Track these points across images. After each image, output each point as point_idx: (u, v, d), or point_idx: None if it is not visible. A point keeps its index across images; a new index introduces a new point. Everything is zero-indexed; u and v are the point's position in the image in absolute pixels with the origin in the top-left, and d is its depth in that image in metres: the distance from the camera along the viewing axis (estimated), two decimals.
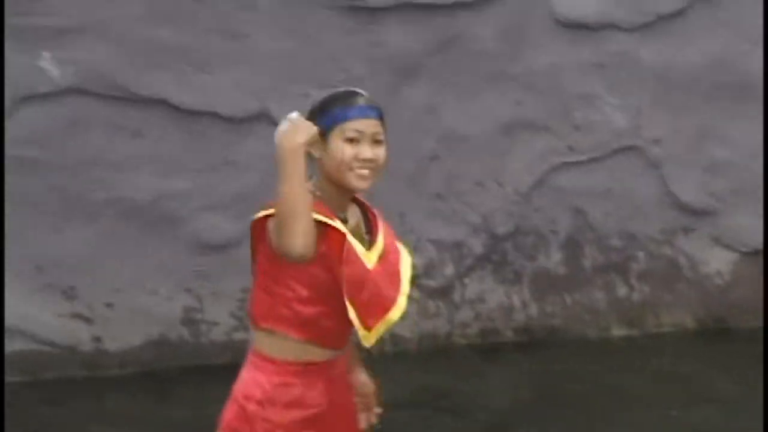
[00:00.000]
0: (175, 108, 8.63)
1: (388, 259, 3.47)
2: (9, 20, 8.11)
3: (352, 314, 3.56)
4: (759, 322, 9.52)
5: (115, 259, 8.55)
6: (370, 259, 3.43)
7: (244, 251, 9.43)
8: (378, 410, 3.75)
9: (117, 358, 8.60)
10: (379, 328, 3.49)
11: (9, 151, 8.15)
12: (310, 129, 3.52)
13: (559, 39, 9.44)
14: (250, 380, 3.76)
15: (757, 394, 7.67)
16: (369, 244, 3.46)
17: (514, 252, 9.59)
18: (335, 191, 3.45)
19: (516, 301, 9.72)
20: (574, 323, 9.68)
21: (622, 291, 9.79)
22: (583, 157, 9.72)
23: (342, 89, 3.50)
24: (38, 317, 8.46)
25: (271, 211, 3.65)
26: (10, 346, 8.18)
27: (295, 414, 3.64)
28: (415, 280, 9.49)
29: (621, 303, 9.74)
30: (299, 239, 3.45)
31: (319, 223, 3.49)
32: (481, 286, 9.48)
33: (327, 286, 3.56)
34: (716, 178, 9.83)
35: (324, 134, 3.43)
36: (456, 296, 9.45)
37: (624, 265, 9.76)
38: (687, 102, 9.75)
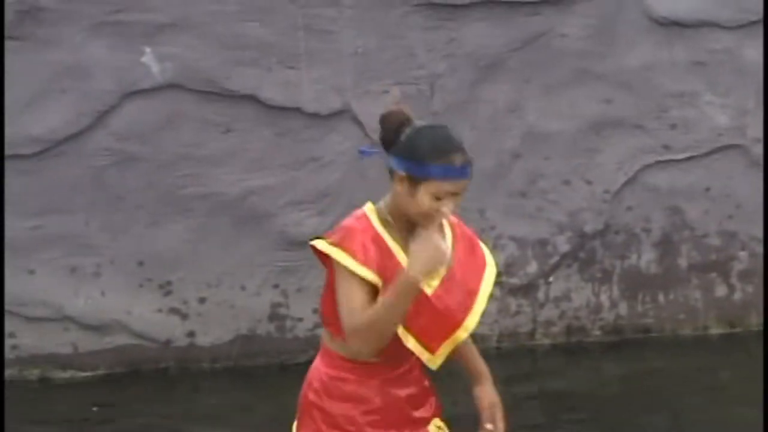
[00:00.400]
0: (263, 104, 8.84)
1: (454, 279, 3.47)
2: (114, 17, 8.56)
3: (411, 342, 3.61)
4: None
5: (207, 255, 8.78)
6: (429, 284, 3.43)
7: None
8: (501, 425, 3.69)
9: (208, 353, 8.82)
10: (443, 352, 3.49)
11: (113, 145, 8.58)
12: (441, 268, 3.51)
13: (652, 37, 9.36)
14: (314, 369, 3.82)
15: None
16: None
17: (603, 250, 9.51)
18: (404, 220, 3.49)
19: (604, 299, 9.62)
20: (668, 322, 9.62)
21: (721, 290, 9.69)
22: (679, 156, 9.63)
23: (440, 134, 3.47)
24: (138, 312, 8.71)
25: (330, 250, 3.61)
26: (112, 341, 8.70)
27: (349, 408, 3.67)
28: (496, 277, 9.44)
29: (720, 302, 9.63)
30: (366, 351, 3.58)
31: (385, 251, 3.54)
32: (566, 284, 9.44)
33: None
34: None
35: (413, 179, 3.41)
36: (540, 294, 9.40)
37: (724, 265, 9.64)
38: None
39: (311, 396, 3.74)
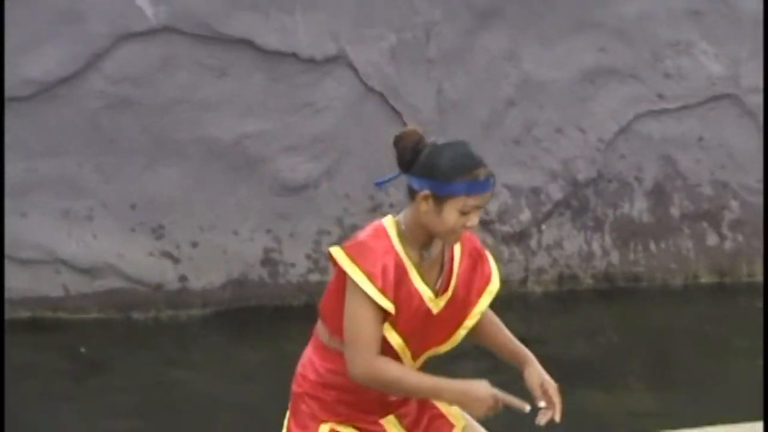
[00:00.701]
0: (259, 49, 8.71)
1: (457, 298, 3.43)
2: None
3: (395, 341, 3.59)
4: None
5: (200, 199, 8.65)
6: (437, 304, 3.40)
7: (321, 193, 9.25)
8: (557, 400, 3.45)
9: (200, 297, 8.69)
10: (420, 361, 3.47)
11: (106, 88, 8.38)
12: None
13: None
14: (307, 360, 3.77)
15: (757, 350, 7.26)
16: (442, 285, 3.41)
17: (596, 199, 9.39)
18: (425, 235, 3.38)
19: (596, 248, 9.50)
20: (659, 271, 9.47)
21: (712, 240, 9.55)
22: (673, 105, 9.50)
23: (460, 150, 3.38)
24: (130, 256, 8.58)
25: (350, 269, 3.42)
26: (103, 284, 8.49)
27: (344, 398, 3.63)
28: (488, 225, 9.37)
29: (711, 251, 9.52)
30: (362, 382, 3.56)
31: (402, 274, 3.53)
32: (559, 232, 9.33)
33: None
34: None
35: (438, 197, 3.33)
36: (532, 242, 9.30)
37: (716, 214, 9.52)
38: None
39: (306, 386, 3.71)
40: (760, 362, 6.90)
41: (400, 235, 3.37)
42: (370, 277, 3.29)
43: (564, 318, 8.67)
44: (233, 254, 8.65)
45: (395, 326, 3.30)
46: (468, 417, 3.45)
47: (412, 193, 3.33)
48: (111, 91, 8.29)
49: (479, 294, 3.43)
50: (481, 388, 3.24)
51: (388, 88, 8.78)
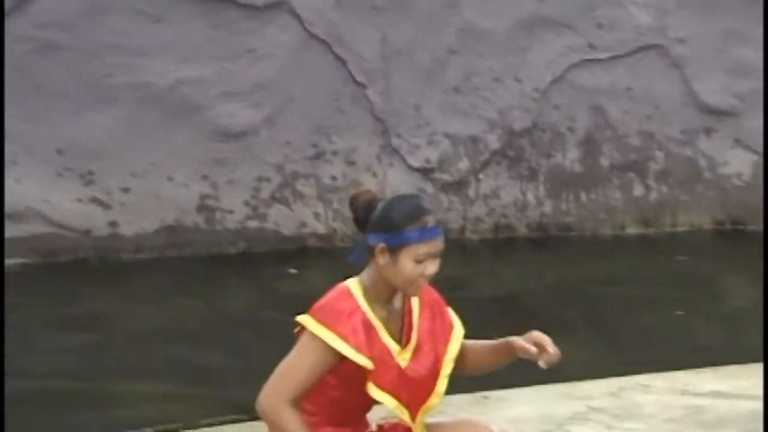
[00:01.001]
0: None
1: (423, 349, 3.08)
2: None
3: (393, 405, 3.17)
4: None
5: (134, 145, 7.71)
6: (404, 357, 3.06)
7: (261, 140, 8.25)
8: (552, 349, 3.05)
9: (132, 243, 7.74)
10: (420, 420, 3.11)
11: (32, 32, 7.45)
12: None
13: None
14: None
15: (678, 300, 6.92)
16: (404, 337, 3.08)
17: (531, 148, 8.52)
18: (387, 291, 3.06)
19: (531, 197, 8.59)
20: (589, 221, 8.64)
21: (639, 190, 8.69)
22: (604, 55, 8.56)
23: (409, 202, 2.99)
24: (57, 201, 7.60)
25: (322, 333, 2.95)
26: (28, 230, 7.50)
27: (336, 422, 3.17)
28: (429, 173, 8.43)
29: (638, 202, 8.68)
30: (261, 416, 3.11)
31: (371, 332, 3.11)
32: (495, 181, 8.48)
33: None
34: (739, 79, 8.75)
35: (392, 249, 2.98)
36: (470, 191, 8.43)
37: (642, 165, 8.69)
38: (714, 2, 8.69)
39: None
40: (680, 312, 6.59)
41: (365, 294, 3.07)
42: (343, 337, 2.97)
43: (499, 266, 7.99)
44: (167, 200, 7.73)
45: (378, 384, 3.01)
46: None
47: (371, 251, 3.02)
48: (37, 35, 7.36)
49: (446, 342, 3.12)
50: None
51: (332, 35, 7.99)
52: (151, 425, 4.66)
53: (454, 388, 3.12)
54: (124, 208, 7.65)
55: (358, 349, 2.97)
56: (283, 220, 7.89)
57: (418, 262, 2.96)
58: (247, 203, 7.83)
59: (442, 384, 3.09)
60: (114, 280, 7.27)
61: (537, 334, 3.08)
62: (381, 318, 3.05)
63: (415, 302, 3.12)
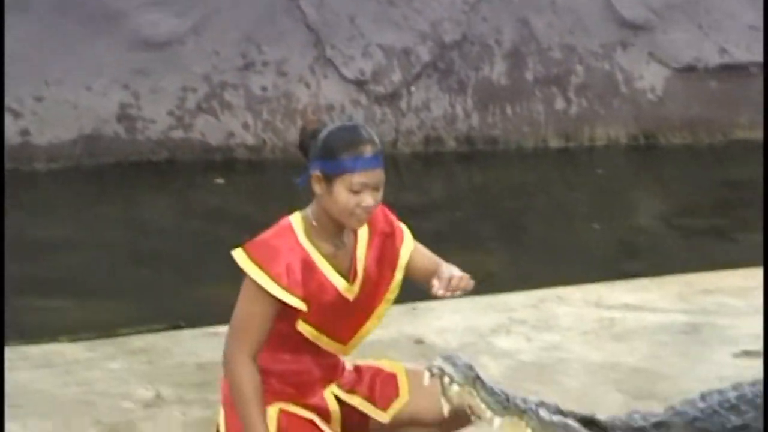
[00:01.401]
0: None
1: (371, 280, 2.52)
2: None
3: (323, 341, 2.55)
4: (687, 139, 7.62)
5: (47, 53, 6.50)
6: (352, 291, 2.51)
7: (187, 49, 7.21)
8: (451, 274, 2.44)
9: (45, 152, 6.55)
10: (355, 343, 2.57)
11: None
12: None
13: None
14: None
15: (680, 210, 6.15)
16: (352, 271, 2.57)
17: (460, 61, 7.45)
18: (332, 224, 2.48)
19: (459, 110, 7.42)
20: (514, 134, 7.58)
21: (560, 104, 7.59)
22: None
23: (349, 129, 2.42)
24: None
25: (253, 272, 2.38)
26: None
27: (286, 381, 2.44)
28: (363, 85, 7.36)
29: (559, 115, 7.63)
30: (225, 368, 2.51)
31: (310, 270, 2.51)
32: (426, 94, 7.43)
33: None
34: None
35: (328, 177, 2.43)
36: (402, 104, 7.36)
37: (564, 79, 7.66)
38: None
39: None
40: (596, 225, 5.84)
41: (308, 230, 2.50)
42: (275, 277, 2.45)
43: (429, 180, 6.99)
44: (85, 109, 6.46)
45: (308, 320, 2.50)
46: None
47: (311, 180, 2.57)
48: None
49: (393, 269, 2.56)
50: None
51: None
52: (66, 334, 3.99)
53: None
54: (37, 118, 6.55)
55: (289, 289, 2.42)
56: (210, 131, 6.87)
57: (353, 192, 2.40)
58: (171, 113, 6.74)
59: (383, 308, 2.55)
60: (26, 189, 6.33)
61: (452, 275, 2.49)
62: (325, 254, 2.52)
63: (363, 233, 2.58)
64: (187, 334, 3.91)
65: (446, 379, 2.20)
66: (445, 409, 2.23)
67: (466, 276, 2.41)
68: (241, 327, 2.34)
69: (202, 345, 3.67)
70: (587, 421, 2.26)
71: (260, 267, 2.33)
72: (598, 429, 2.23)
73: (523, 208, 6.45)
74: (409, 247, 2.47)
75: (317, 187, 2.36)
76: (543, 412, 2.23)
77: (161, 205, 6.35)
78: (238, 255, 2.38)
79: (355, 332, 2.46)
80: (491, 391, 2.23)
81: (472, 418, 2.25)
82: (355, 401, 2.45)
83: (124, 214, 5.90)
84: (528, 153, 7.48)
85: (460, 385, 2.18)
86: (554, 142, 7.53)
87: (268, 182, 6.39)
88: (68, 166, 6.44)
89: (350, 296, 2.44)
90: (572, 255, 5.55)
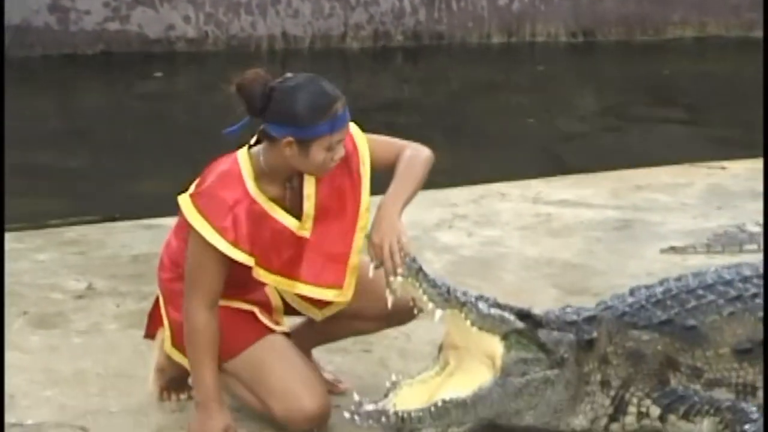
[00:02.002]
0: None
1: (329, 213, 2.45)
2: None
3: (306, 291, 2.45)
4: (623, 36, 7.62)
5: None
6: (305, 228, 2.44)
7: None
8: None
9: None
10: (349, 282, 2.46)
11: None
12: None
13: None
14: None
15: (611, 109, 6.12)
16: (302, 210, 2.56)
17: None
18: (286, 172, 2.41)
19: (406, 5, 7.23)
20: (459, 30, 7.45)
21: (503, 0, 7.46)
22: None
23: (314, 90, 2.30)
24: None
25: (199, 226, 2.31)
26: None
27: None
28: None
29: (501, 11, 7.52)
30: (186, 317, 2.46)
31: (259, 218, 2.41)
32: None
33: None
34: None
35: (302, 142, 2.34)
36: None
37: None
38: None
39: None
40: (531, 120, 5.83)
41: (257, 176, 2.43)
42: (221, 231, 2.38)
43: (377, 75, 6.83)
44: (14, 0, 6.15)
45: (268, 267, 2.43)
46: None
47: (269, 138, 2.39)
48: None
49: (357, 196, 2.44)
50: (218, 424, 2.41)
51: None
52: None
53: None
54: None
55: (236, 243, 2.40)
56: (148, 23, 6.68)
57: (330, 150, 2.39)
58: (106, 4, 6.52)
59: (359, 238, 2.47)
60: None
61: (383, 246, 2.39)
62: (274, 197, 2.48)
63: None
64: (121, 226, 3.81)
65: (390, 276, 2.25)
66: (389, 302, 2.26)
67: (395, 249, 2.25)
68: (194, 277, 2.32)
69: (137, 237, 3.60)
70: (523, 315, 2.32)
71: (206, 220, 2.27)
72: (532, 322, 2.29)
73: (468, 104, 6.40)
74: (364, 146, 2.40)
75: (287, 150, 2.29)
76: (482, 305, 2.28)
77: (95, 99, 6.13)
78: (185, 204, 2.31)
79: (343, 273, 2.35)
80: (433, 284, 2.25)
81: (415, 311, 2.28)
82: (295, 297, 2.39)
83: (57, 106, 5.73)
84: (472, 48, 7.43)
85: (403, 277, 2.22)
86: (497, 38, 7.52)
87: (208, 75, 6.19)
88: None
89: (306, 233, 2.36)
90: (512, 150, 5.53)
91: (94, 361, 2.63)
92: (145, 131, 5.22)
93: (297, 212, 2.39)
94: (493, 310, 2.29)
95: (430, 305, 2.24)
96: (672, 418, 2.28)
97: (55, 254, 3.38)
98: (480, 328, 2.23)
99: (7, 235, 3.61)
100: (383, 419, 2.15)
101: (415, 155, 2.36)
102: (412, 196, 2.37)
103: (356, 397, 2.19)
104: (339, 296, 2.41)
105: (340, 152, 2.33)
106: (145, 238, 3.50)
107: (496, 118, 6.18)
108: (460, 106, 6.37)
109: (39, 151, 5.07)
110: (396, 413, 2.16)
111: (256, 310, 2.42)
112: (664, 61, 7.43)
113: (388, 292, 2.26)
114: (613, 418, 2.31)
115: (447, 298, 2.25)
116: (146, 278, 3.02)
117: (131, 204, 4.17)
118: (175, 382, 2.51)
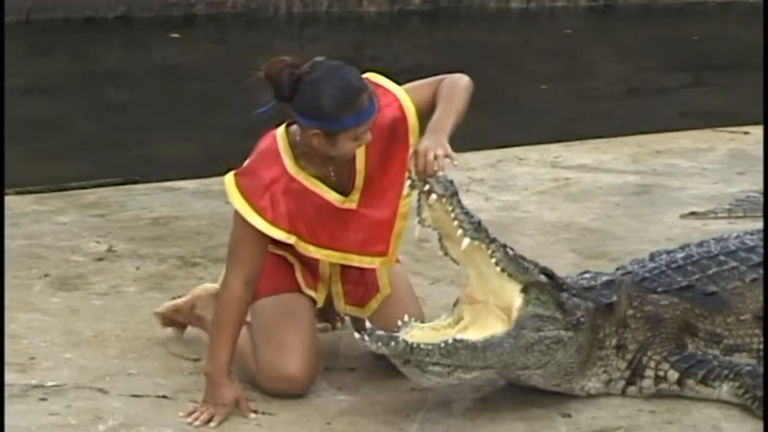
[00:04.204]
0: None
1: (374, 184, 2.46)
2: None
3: (356, 261, 2.41)
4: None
5: None
6: (352, 200, 2.47)
7: None
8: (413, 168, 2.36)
9: None
10: (394, 248, 2.48)
11: None
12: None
13: None
14: None
15: (632, 74, 5.93)
16: (350, 183, 2.51)
17: None
18: (323, 155, 2.42)
19: None
20: None
21: None
22: None
23: (340, 84, 2.28)
24: None
25: (241, 206, 2.33)
26: None
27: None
28: None
29: None
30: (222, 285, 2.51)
31: (299, 195, 2.43)
32: None
33: None
34: None
35: (329, 133, 2.33)
36: None
37: None
38: None
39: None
40: (544, 86, 5.66)
41: (296, 155, 2.43)
42: (260, 210, 2.41)
43: (393, 38, 6.68)
44: None
45: (315, 242, 2.44)
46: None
47: (299, 125, 2.41)
48: None
49: (404, 159, 2.40)
50: (229, 394, 2.43)
51: None
52: (13, 187, 3.72)
53: None
54: None
55: (274, 222, 2.41)
56: None
57: (356, 139, 2.39)
58: None
59: (405, 205, 2.41)
60: None
61: (426, 152, 2.34)
62: (317, 174, 2.47)
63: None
64: (141, 189, 3.80)
65: (426, 188, 2.13)
66: (417, 231, 2.21)
67: (440, 155, 2.21)
68: (235, 252, 2.36)
69: (157, 199, 3.57)
70: (546, 274, 2.26)
71: (246, 199, 2.30)
72: (554, 283, 2.24)
73: (486, 68, 6.36)
74: (413, 114, 2.36)
75: (314, 140, 2.31)
76: (509, 249, 2.24)
77: (115, 60, 6.14)
78: (228, 183, 2.33)
79: (389, 240, 2.34)
80: (467, 212, 2.19)
81: (439, 252, 2.22)
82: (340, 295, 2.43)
83: (78, 68, 5.69)
84: (490, 12, 7.31)
85: (439, 196, 2.14)
86: (516, 3, 7.37)
87: (227, 38, 6.20)
88: (18, 19, 6.15)
89: (353, 205, 2.36)
90: (531, 114, 5.48)
91: (114, 324, 2.64)
92: (159, 92, 5.17)
93: (343, 187, 2.39)
94: (519, 259, 2.25)
95: (459, 232, 2.16)
96: (690, 382, 2.27)
97: (75, 217, 3.37)
98: (503, 270, 2.20)
99: (28, 198, 3.62)
100: (392, 344, 2.14)
101: (454, 83, 2.33)
102: (457, 120, 2.32)
103: (368, 324, 2.18)
104: (384, 263, 2.43)
105: (365, 137, 2.32)
106: (164, 201, 3.48)
107: (514, 83, 6.16)
108: (478, 70, 6.50)
109: (58, 115, 4.99)
110: (405, 341, 2.15)
111: (297, 267, 2.44)
112: (684, 23, 7.25)
113: (417, 220, 2.21)
114: (630, 382, 2.29)
115: (478, 228, 2.19)
116: (166, 241, 3.02)
117: (150, 166, 4.15)
118: (181, 323, 2.59)
